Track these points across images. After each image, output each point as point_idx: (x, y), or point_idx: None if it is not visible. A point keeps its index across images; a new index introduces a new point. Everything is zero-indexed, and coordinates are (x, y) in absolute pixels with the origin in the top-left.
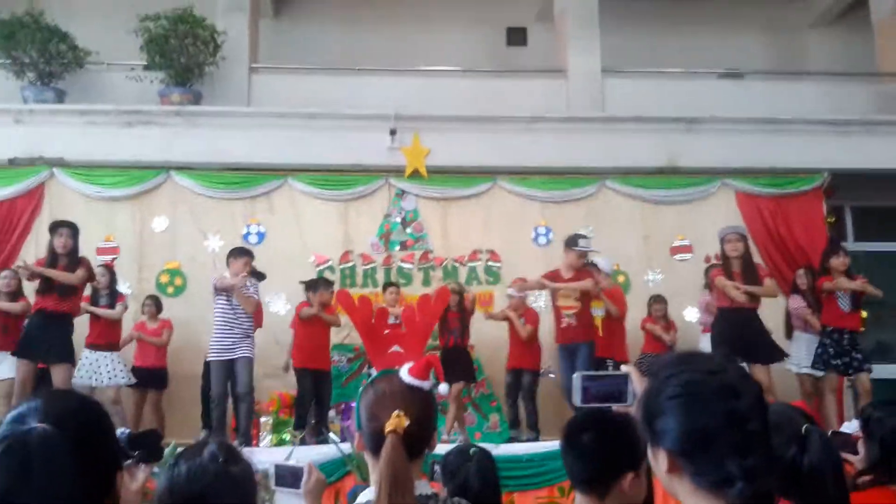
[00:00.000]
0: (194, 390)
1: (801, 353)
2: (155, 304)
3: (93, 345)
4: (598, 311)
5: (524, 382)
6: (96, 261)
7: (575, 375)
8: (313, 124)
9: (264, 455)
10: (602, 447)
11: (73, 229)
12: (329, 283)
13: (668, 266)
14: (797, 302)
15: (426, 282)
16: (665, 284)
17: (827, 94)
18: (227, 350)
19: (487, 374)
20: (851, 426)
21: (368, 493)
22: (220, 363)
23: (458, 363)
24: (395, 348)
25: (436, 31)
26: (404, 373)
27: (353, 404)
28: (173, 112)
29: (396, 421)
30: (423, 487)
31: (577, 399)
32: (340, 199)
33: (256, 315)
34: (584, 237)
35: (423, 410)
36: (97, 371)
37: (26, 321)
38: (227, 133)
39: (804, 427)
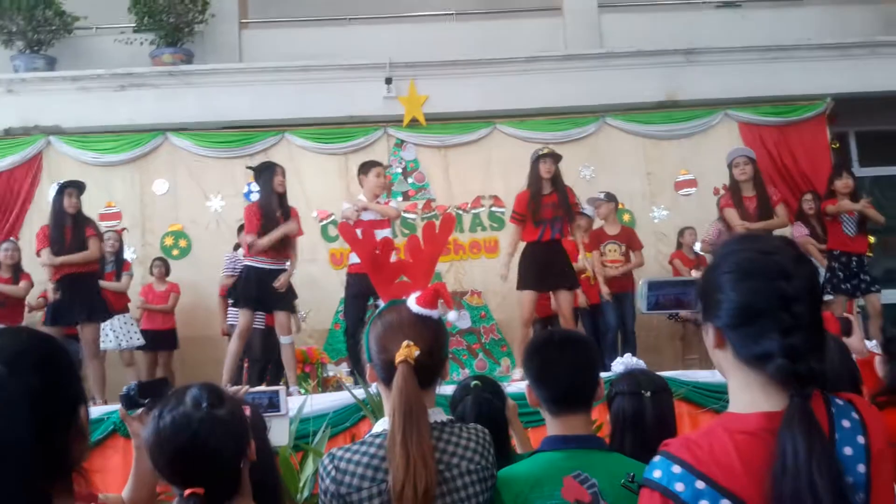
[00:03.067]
0: (204, 351)
1: None
2: (164, 266)
3: None
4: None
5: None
6: (100, 227)
7: (641, 282)
8: (308, 77)
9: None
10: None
11: (80, 189)
12: None
13: (673, 202)
14: (800, 230)
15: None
16: (671, 220)
17: (828, 18)
18: None
19: (497, 319)
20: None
21: (383, 423)
22: None
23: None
24: (402, 278)
25: None
26: (412, 302)
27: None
28: (166, 72)
29: (406, 351)
30: (437, 415)
31: (642, 306)
32: (340, 152)
33: None
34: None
35: (433, 340)
36: (106, 335)
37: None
38: (222, 91)
39: None
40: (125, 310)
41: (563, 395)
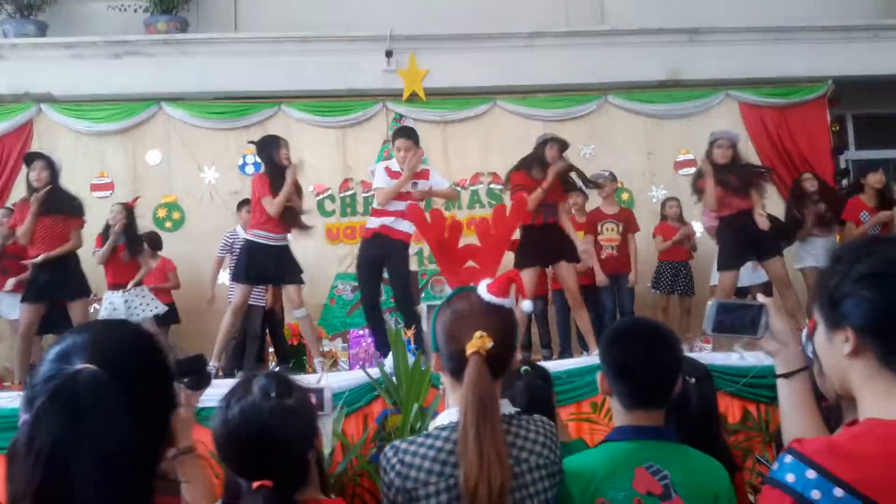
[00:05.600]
0: (198, 324)
1: (814, 254)
2: (149, 243)
3: (116, 284)
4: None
5: (536, 307)
6: (92, 198)
7: (710, 303)
8: (306, 48)
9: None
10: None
11: (47, 161)
12: None
13: (672, 182)
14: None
15: (427, 206)
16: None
17: (833, 1)
18: None
19: None
20: None
21: (450, 415)
22: None
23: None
24: (470, 263)
25: None
26: (483, 290)
27: (358, 332)
28: (161, 41)
29: (479, 342)
30: (506, 407)
31: (708, 327)
32: (337, 126)
33: None
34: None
35: (505, 330)
36: (131, 308)
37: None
38: (219, 61)
39: None
40: (140, 283)
41: (645, 392)
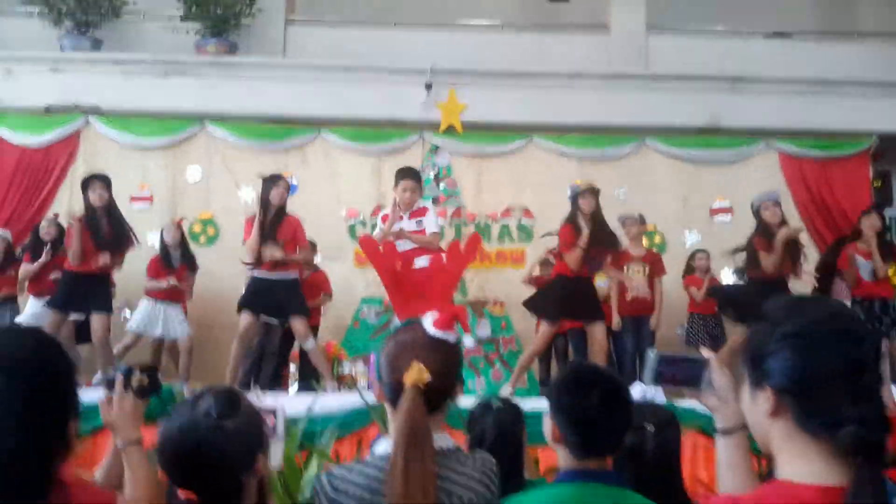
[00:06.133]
0: (221, 338)
1: None
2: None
3: (154, 297)
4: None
5: (558, 345)
6: (131, 209)
7: (651, 354)
8: (349, 77)
9: (292, 402)
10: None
11: (107, 182)
12: None
13: (706, 227)
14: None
15: (457, 238)
16: (703, 246)
17: (876, 55)
18: None
19: (518, 330)
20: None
21: (386, 444)
22: None
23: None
24: (421, 297)
25: None
26: (428, 323)
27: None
28: (209, 62)
29: (417, 374)
30: (443, 440)
31: (648, 379)
32: (374, 154)
33: None
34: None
35: (446, 364)
36: (156, 322)
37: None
38: (263, 84)
39: None
40: (181, 300)
41: (598, 443)
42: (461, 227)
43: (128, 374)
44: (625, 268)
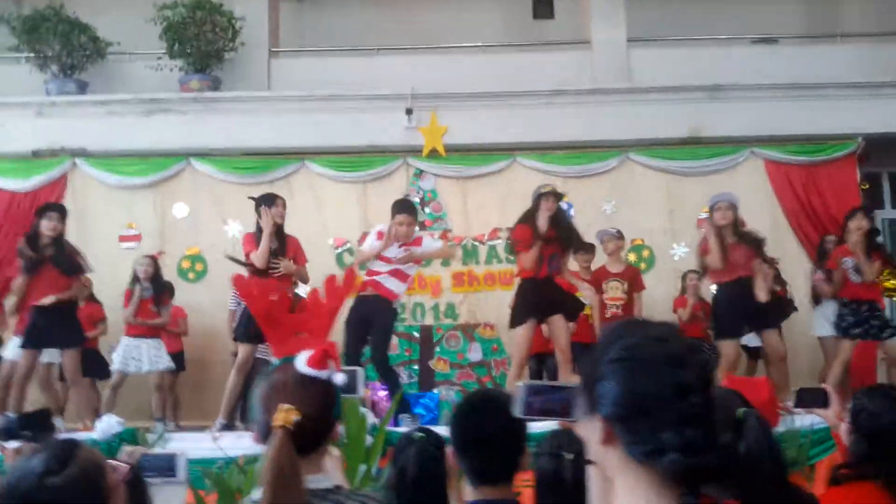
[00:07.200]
0: (212, 374)
1: (828, 319)
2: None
3: (135, 332)
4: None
5: (548, 366)
6: (119, 248)
7: (519, 384)
8: (330, 107)
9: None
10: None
11: (62, 213)
12: None
13: (694, 239)
14: (817, 274)
15: (445, 262)
16: (691, 258)
17: (860, 56)
18: None
19: (510, 352)
20: None
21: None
22: None
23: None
24: (300, 334)
25: (461, 7)
26: (301, 362)
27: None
28: (191, 99)
29: (284, 416)
30: (320, 482)
31: (518, 410)
32: (359, 181)
33: None
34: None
35: (319, 404)
36: (137, 357)
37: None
38: (245, 118)
39: (740, 411)
40: (157, 335)
41: (486, 469)
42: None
43: (19, 421)
44: (603, 284)
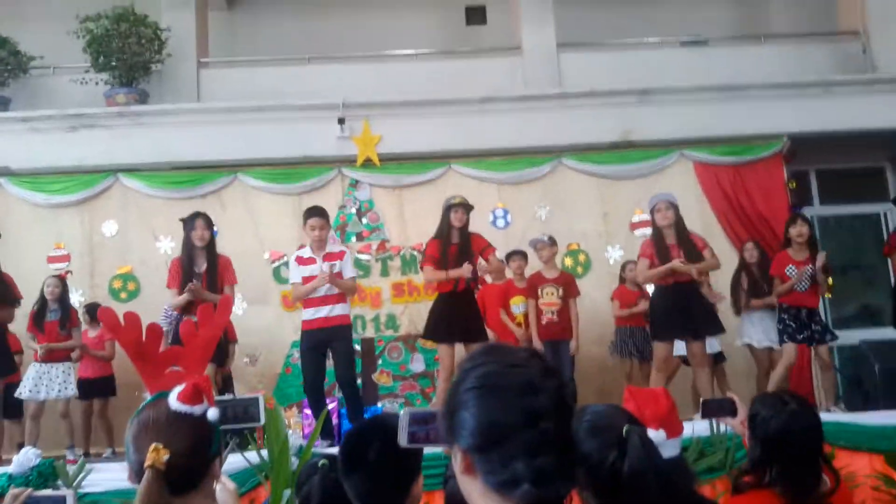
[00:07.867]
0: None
1: (755, 328)
2: (89, 313)
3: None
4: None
5: None
6: (48, 270)
7: (402, 412)
8: (261, 117)
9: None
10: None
11: None
12: None
13: (628, 242)
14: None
15: (384, 272)
16: (626, 260)
17: (787, 57)
18: None
19: None
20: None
21: None
22: None
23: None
24: (175, 368)
25: (395, 15)
26: (172, 398)
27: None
28: (116, 113)
29: (153, 455)
30: None
31: (402, 440)
32: (293, 193)
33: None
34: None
35: (191, 441)
36: (48, 384)
37: None
38: (173, 131)
39: (624, 428)
40: (68, 358)
41: (374, 496)
42: (387, 262)
43: None
44: (539, 290)
